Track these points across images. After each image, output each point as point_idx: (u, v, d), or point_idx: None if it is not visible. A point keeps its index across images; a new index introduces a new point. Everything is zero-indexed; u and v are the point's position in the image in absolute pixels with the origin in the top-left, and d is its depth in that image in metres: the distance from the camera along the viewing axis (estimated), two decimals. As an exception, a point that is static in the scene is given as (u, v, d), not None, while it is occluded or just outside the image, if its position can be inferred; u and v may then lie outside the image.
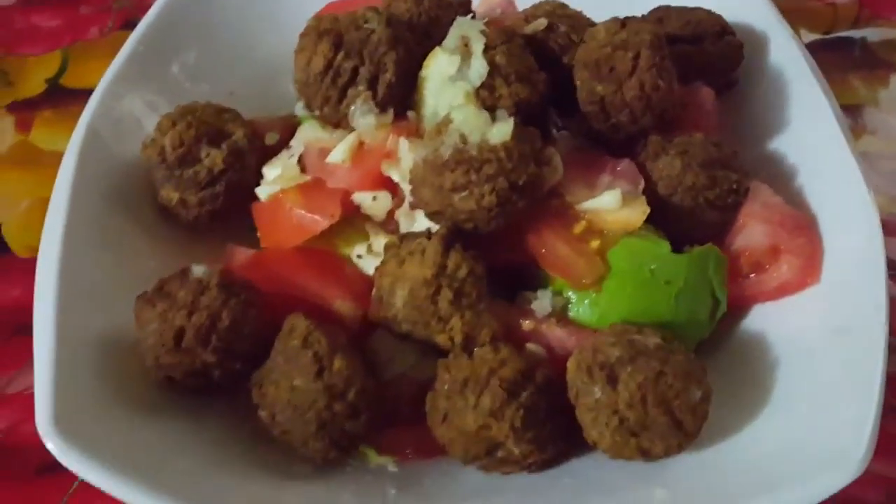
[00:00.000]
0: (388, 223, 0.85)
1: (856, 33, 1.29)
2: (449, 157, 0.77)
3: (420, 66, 0.87)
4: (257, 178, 0.90)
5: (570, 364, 0.74)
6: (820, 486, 0.66)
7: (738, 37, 0.97)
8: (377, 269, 0.80)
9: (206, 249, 0.87)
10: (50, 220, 0.83)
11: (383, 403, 0.77)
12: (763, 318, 0.83)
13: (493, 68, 0.83)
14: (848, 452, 0.67)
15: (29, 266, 0.81)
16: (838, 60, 1.24)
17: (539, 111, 0.86)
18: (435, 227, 0.80)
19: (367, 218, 0.86)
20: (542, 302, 0.80)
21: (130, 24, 1.28)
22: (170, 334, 0.74)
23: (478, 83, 0.83)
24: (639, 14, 0.94)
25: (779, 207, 0.85)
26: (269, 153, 0.92)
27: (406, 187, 0.82)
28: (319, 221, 0.84)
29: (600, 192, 0.82)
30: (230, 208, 0.90)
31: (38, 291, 0.78)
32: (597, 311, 0.79)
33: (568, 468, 0.76)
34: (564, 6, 0.94)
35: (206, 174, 0.88)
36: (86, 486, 0.83)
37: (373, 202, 0.85)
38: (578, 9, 0.94)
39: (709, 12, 0.98)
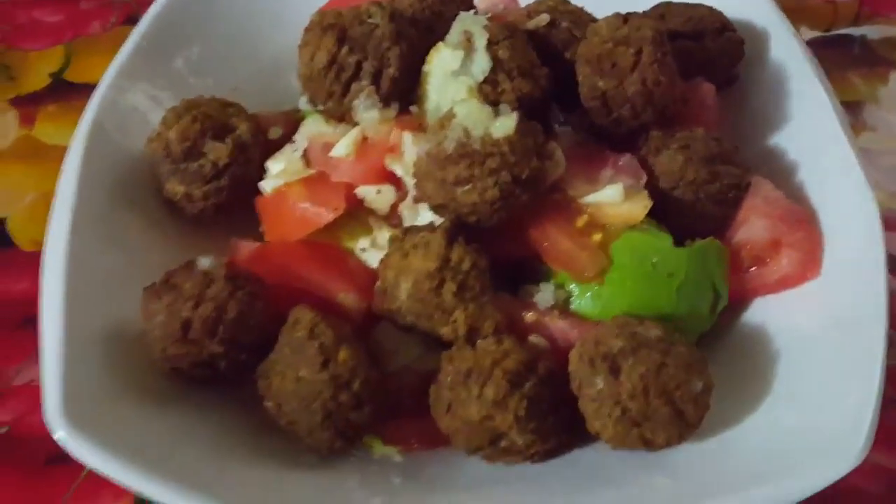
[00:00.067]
0: (392, 217, 0.86)
1: (856, 31, 1.30)
2: (452, 150, 0.77)
3: (423, 61, 0.87)
4: (261, 173, 0.91)
5: (573, 355, 0.75)
6: (820, 475, 0.67)
7: (738, 33, 0.98)
8: (381, 261, 0.80)
9: (210, 243, 0.87)
10: (56, 214, 0.83)
11: (387, 394, 0.77)
12: (764, 311, 0.84)
13: (496, 63, 0.84)
14: (848, 442, 0.68)
15: (33, 259, 0.82)
16: (838, 58, 1.25)
17: (541, 106, 0.87)
18: (438, 221, 0.81)
19: (371, 211, 0.86)
20: (545, 295, 0.80)
21: (132, 20, 1.28)
22: (177, 325, 0.75)
23: (481, 78, 0.84)
24: (640, 10, 0.94)
25: (779, 202, 0.85)
26: (273, 148, 0.92)
27: (409, 181, 0.83)
28: (323, 215, 0.84)
29: (602, 186, 0.82)
30: (235, 202, 0.90)
31: (45, 283, 0.78)
32: (599, 303, 0.79)
33: (570, 458, 0.76)
34: (566, 2, 0.94)
35: (211, 168, 0.88)
36: (93, 478, 0.84)
37: (376, 196, 0.85)
38: (580, 5, 0.94)
39: (710, 9, 0.99)
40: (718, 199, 0.85)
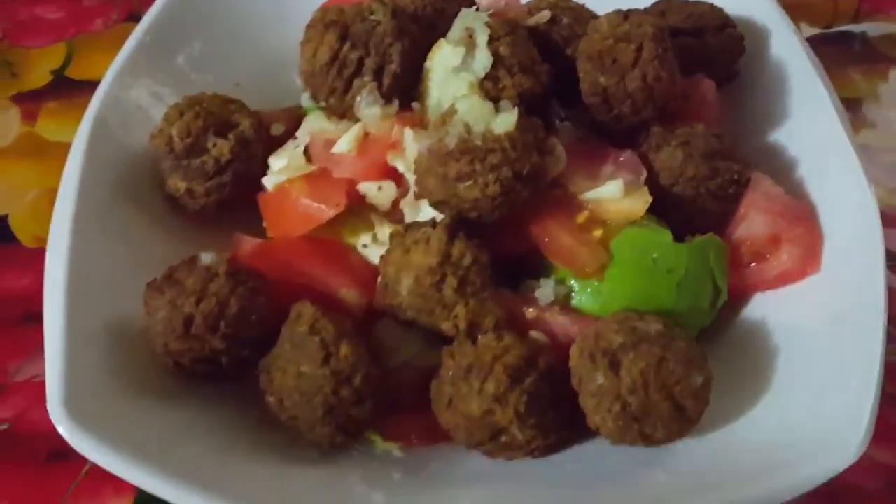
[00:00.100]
0: (394, 213, 0.86)
1: (856, 28, 1.30)
2: (453, 146, 0.77)
3: (425, 58, 0.88)
4: (264, 169, 0.91)
5: (573, 351, 0.75)
6: (819, 470, 0.67)
7: (739, 30, 0.98)
8: (382, 257, 0.81)
9: (213, 239, 0.88)
10: (59, 210, 0.84)
11: (388, 390, 0.78)
12: (763, 307, 0.84)
13: (497, 59, 0.84)
14: (847, 436, 0.68)
15: (36, 256, 0.82)
16: (838, 55, 1.25)
17: (542, 102, 0.87)
18: (439, 217, 0.81)
19: (373, 207, 0.86)
20: (545, 290, 0.80)
21: (134, 17, 1.29)
22: (179, 321, 0.75)
23: (482, 74, 0.84)
24: (641, 7, 0.95)
25: (779, 198, 0.86)
26: (275, 144, 0.93)
27: (411, 177, 0.83)
28: (325, 211, 0.85)
29: (603, 182, 0.83)
30: (237, 198, 0.91)
31: (48, 279, 0.79)
32: (599, 299, 0.80)
33: (571, 453, 0.76)
34: (567, -1, 0.95)
35: (214, 164, 0.89)
36: (94, 473, 0.85)
37: (378, 192, 0.86)
38: (581, 1, 0.95)
39: (711, 5, 0.99)
40: (718, 194, 0.85)
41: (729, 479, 0.69)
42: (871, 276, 0.77)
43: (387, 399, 0.77)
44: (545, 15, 0.91)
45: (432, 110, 0.86)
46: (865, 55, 1.26)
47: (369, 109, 0.86)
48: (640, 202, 0.82)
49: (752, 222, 0.85)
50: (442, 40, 0.87)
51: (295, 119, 0.94)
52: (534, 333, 0.78)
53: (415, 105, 0.88)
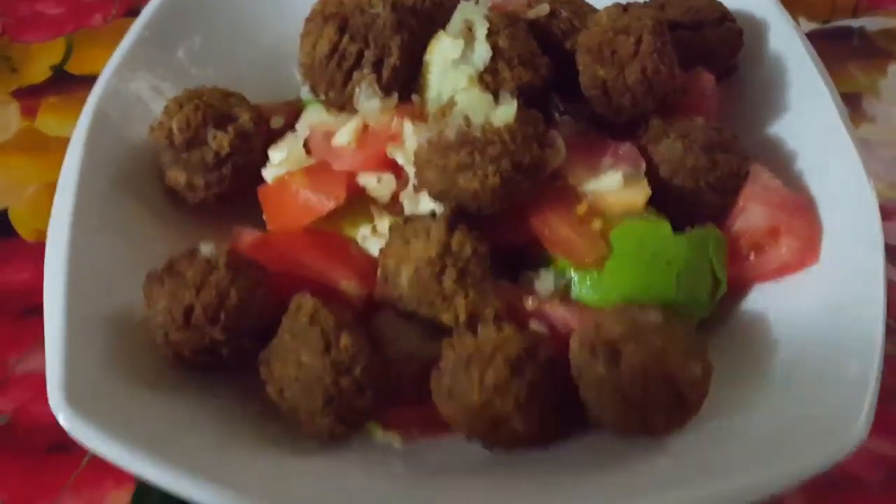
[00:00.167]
0: (393, 205, 0.86)
1: (854, 22, 1.30)
2: (453, 138, 0.78)
3: (424, 50, 0.88)
4: (263, 161, 0.91)
5: (573, 342, 0.75)
6: (818, 458, 0.67)
7: (738, 24, 0.98)
8: (382, 249, 0.81)
9: (213, 231, 0.87)
10: (59, 203, 0.84)
11: (388, 381, 0.78)
12: (763, 298, 0.84)
13: (496, 52, 0.84)
14: (847, 424, 0.68)
15: (36, 250, 0.82)
16: (837, 49, 1.25)
17: (542, 95, 0.87)
18: (439, 209, 0.81)
19: (372, 200, 0.86)
20: (545, 282, 0.81)
21: (133, 12, 1.29)
22: (179, 312, 0.75)
23: (481, 67, 0.84)
24: (641, 0, 0.95)
25: (778, 190, 0.86)
26: (275, 137, 0.93)
27: (410, 169, 0.83)
28: (325, 203, 0.85)
29: (602, 174, 0.83)
30: (237, 191, 0.91)
31: (48, 271, 0.79)
32: (599, 290, 0.80)
33: (571, 445, 0.76)
34: (566, -8, 0.95)
35: (213, 157, 0.89)
36: (94, 466, 0.85)
37: (378, 184, 0.86)
38: (580, -5, 0.95)
39: (709, -1, 0.99)
40: (718, 187, 0.85)
41: (729, 468, 0.69)
42: (870, 264, 0.78)
43: (387, 390, 0.77)
44: (544, 8, 0.91)
45: (432, 103, 0.86)
46: (864, 50, 1.26)
47: (369, 102, 0.86)
48: (640, 194, 0.82)
49: (752, 214, 0.85)
50: (441, 33, 0.87)
51: (294, 112, 0.94)
52: (533, 325, 0.78)
53: (414, 98, 0.88)
